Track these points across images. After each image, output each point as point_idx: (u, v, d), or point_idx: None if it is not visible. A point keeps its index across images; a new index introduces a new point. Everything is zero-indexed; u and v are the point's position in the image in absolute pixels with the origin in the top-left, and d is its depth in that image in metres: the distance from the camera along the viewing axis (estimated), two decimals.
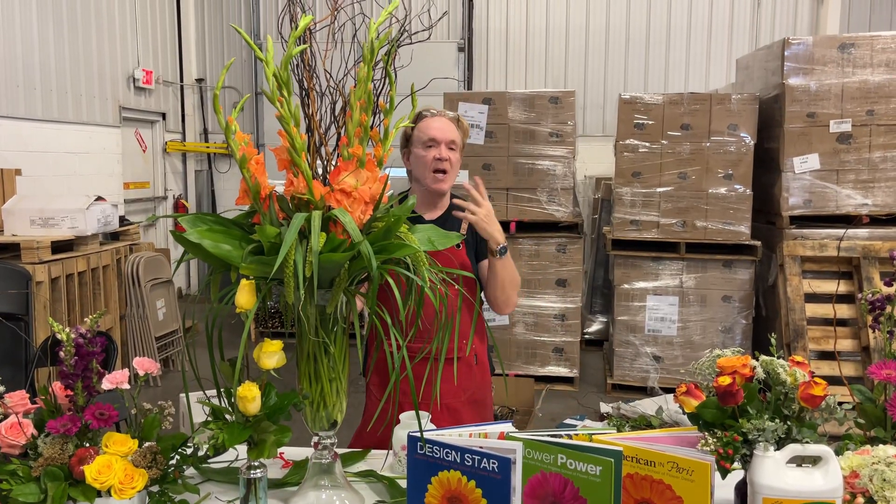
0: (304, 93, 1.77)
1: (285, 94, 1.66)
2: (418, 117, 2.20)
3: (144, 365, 1.74)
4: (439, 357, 2.09)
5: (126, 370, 1.72)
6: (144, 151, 7.80)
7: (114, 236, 5.43)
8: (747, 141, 4.86)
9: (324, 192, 1.58)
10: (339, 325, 1.72)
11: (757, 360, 1.77)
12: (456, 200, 2.16)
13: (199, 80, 8.51)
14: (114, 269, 5.06)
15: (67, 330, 1.75)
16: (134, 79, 7.31)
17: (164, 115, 8.05)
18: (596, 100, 7.97)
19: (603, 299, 6.54)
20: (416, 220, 2.16)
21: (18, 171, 5.03)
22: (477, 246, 2.23)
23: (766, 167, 4.99)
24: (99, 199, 4.91)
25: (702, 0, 7.76)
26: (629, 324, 5.14)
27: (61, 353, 1.70)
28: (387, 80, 1.78)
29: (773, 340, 1.88)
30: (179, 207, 8.29)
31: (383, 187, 1.67)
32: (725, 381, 1.59)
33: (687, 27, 7.80)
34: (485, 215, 2.02)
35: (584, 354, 5.71)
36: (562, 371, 5.29)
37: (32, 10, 5.74)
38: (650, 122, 4.97)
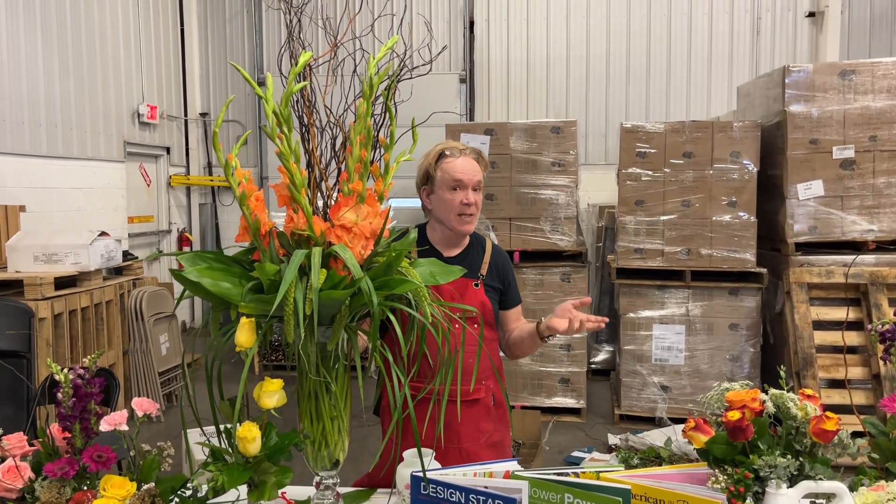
0: (304, 128, 1.77)
1: (285, 130, 1.66)
2: (440, 156, 2.17)
3: (143, 405, 1.71)
4: (453, 396, 2.06)
5: (125, 411, 1.70)
6: (149, 185, 7.84)
7: (117, 271, 5.43)
8: (750, 168, 4.85)
9: (324, 228, 1.57)
10: (341, 363, 1.70)
11: (766, 393, 1.74)
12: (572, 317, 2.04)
13: (204, 115, 8.58)
14: (117, 304, 5.05)
15: (65, 371, 1.73)
16: (139, 114, 7.37)
17: (168, 150, 8.10)
18: (598, 128, 8.01)
19: (608, 328, 6.49)
20: (438, 257, 2.15)
21: (23, 208, 5.04)
22: (502, 295, 2.24)
23: (770, 194, 4.98)
24: (102, 234, 4.92)
25: (701, 29, 7.82)
26: (636, 353, 5.10)
27: (59, 395, 1.67)
28: (387, 115, 1.78)
29: (782, 373, 1.85)
30: (183, 240, 8.30)
31: (384, 222, 1.66)
32: (735, 415, 1.56)
33: (687, 56, 7.85)
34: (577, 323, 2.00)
35: (590, 384, 5.66)
36: (568, 402, 5.24)
37: (38, 47, 5.81)
38: (652, 151, 4.97)
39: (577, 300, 2.03)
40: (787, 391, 1.78)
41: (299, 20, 1.78)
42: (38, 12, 5.82)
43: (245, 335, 1.52)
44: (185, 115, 8.43)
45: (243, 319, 1.54)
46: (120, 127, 7.07)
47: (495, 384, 2.20)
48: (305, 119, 1.92)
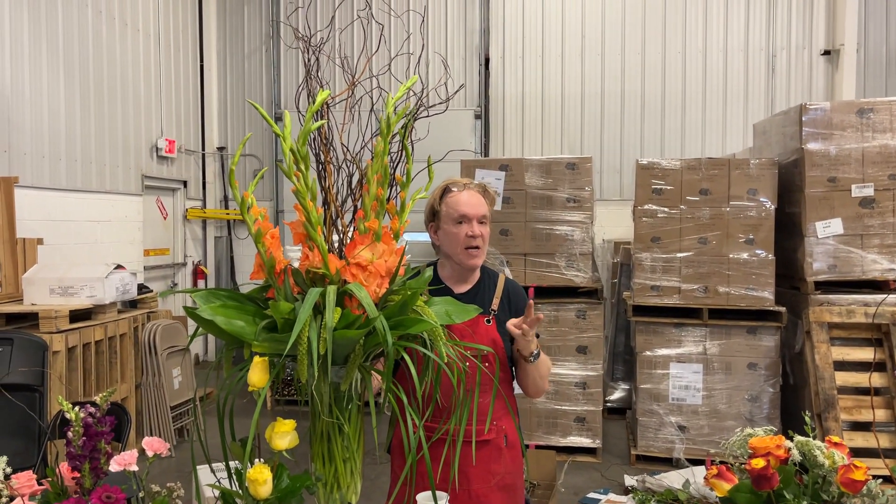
0: (321, 166, 1.76)
1: (302, 168, 1.66)
2: (445, 192, 2.17)
3: (154, 445, 1.69)
4: (464, 437, 2.02)
5: (135, 451, 1.67)
6: (165, 219, 7.90)
7: (132, 304, 5.44)
8: (767, 206, 4.82)
9: (339, 266, 1.56)
10: (354, 403, 1.67)
11: (791, 440, 1.69)
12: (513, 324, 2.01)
13: (221, 149, 8.67)
14: (131, 338, 5.05)
15: (76, 409, 1.71)
16: (157, 148, 7.46)
17: (185, 183, 8.18)
18: (612, 164, 8.01)
19: (624, 366, 6.42)
20: (445, 293, 2.13)
21: (40, 241, 5.08)
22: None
23: (788, 232, 4.93)
24: (118, 267, 4.94)
25: (716, 66, 7.85)
26: (652, 392, 5.02)
27: (69, 433, 1.65)
28: (403, 153, 1.77)
29: (808, 419, 1.79)
30: (198, 273, 8.33)
31: (399, 260, 1.64)
32: (759, 463, 1.51)
33: (702, 93, 7.87)
34: (531, 333, 1.98)
35: (606, 423, 5.56)
36: (584, 441, 5.15)
37: (60, 82, 5.92)
38: (668, 188, 4.95)
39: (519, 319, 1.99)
40: (812, 436, 1.72)
41: (317, 59, 1.78)
42: (62, 49, 5.93)
43: (258, 375, 1.50)
44: (203, 149, 8.52)
45: (256, 358, 1.52)
46: (138, 160, 7.15)
47: (508, 424, 2.15)
48: (322, 157, 1.92)
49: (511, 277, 2.36)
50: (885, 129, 4.58)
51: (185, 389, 5.51)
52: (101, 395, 1.77)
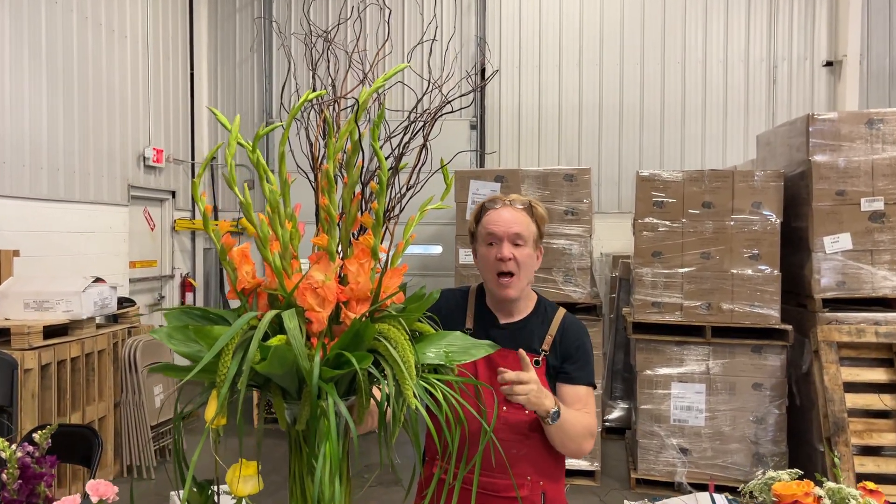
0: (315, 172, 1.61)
1: (270, 177, 1.50)
2: (482, 210, 1.89)
3: (100, 490, 1.49)
4: (489, 489, 1.77)
5: (77, 496, 1.48)
6: (153, 230, 7.70)
7: (113, 318, 5.23)
8: (772, 220, 4.64)
9: (300, 288, 1.38)
10: (331, 440, 1.47)
11: (821, 485, 1.50)
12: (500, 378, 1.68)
13: (211, 159, 8.48)
14: (110, 354, 4.84)
15: (13, 447, 1.52)
16: (144, 157, 7.26)
17: (173, 193, 7.98)
18: (611, 176, 7.84)
19: (623, 384, 6.22)
20: (491, 324, 1.89)
21: (16, 253, 4.88)
22: (559, 370, 1.87)
23: (795, 247, 4.76)
24: (97, 280, 4.73)
25: (716, 77, 7.70)
26: (653, 413, 4.82)
27: (3, 476, 1.46)
28: (399, 160, 1.60)
29: (836, 460, 1.61)
30: (186, 286, 8.13)
31: (377, 281, 1.45)
32: None
33: (702, 104, 7.72)
34: (533, 391, 1.65)
35: (605, 444, 5.36)
36: (582, 464, 4.94)
37: (42, 90, 5.73)
38: (670, 200, 4.77)
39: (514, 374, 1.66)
40: (835, 469, 1.54)
41: (316, 59, 1.62)
42: (45, 55, 5.75)
43: (213, 409, 1.31)
44: (193, 158, 8.34)
45: (213, 392, 1.33)
46: (124, 170, 6.96)
47: (550, 485, 1.85)
48: (313, 163, 1.76)
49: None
50: (895, 141, 4.41)
51: (167, 408, 5.29)
52: (40, 433, 1.58)
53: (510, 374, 1.64)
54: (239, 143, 1.52)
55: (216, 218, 8.36)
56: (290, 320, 1.31)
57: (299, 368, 1.30)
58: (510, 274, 1.81)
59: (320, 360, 1.30)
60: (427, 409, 1.35)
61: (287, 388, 1.41)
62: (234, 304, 1.57)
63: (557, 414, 1.71)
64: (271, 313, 1.33)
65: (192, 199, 8.36)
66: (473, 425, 1.47)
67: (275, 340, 1.31)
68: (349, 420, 1.30)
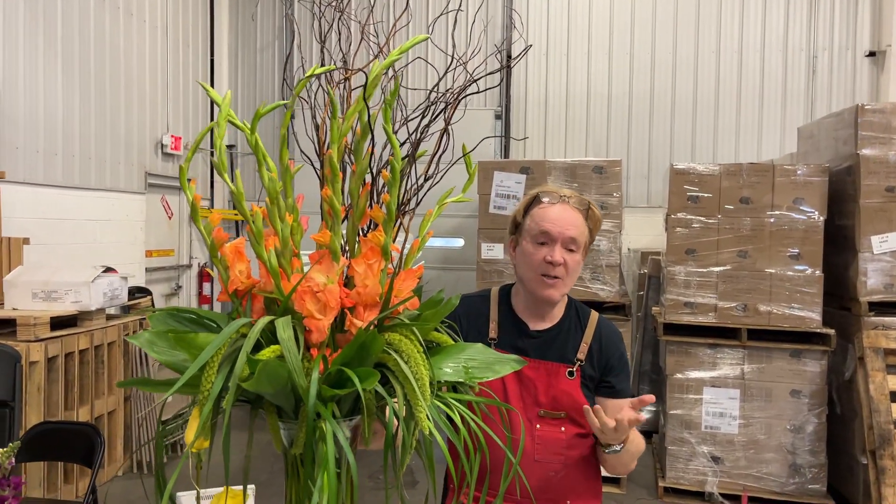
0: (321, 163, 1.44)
1: (269, 163, 1.31)
2: (533, 201, 1.72)
3: None
4: None
5: None
6: (170, 218, 7.57)
7: (125, 309, 5.10)
8: (815, 217, 4.37)
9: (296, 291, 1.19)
10: (326, 464, 1.28)
11: None
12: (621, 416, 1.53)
13: (231, 146, 8.33)
14: (120, 346, 4.70)
15: None
16: (162, 145, 7.13)
17: (192, 181, 7.85)
18: (640, 168, 7.56)
19: (651, 385, 5.98)
20: (518, 329, 1.71)
21: (26, 240, 4.75)
22: (599, 383, 1.73)
23: (839, 246, 4.48)
24: (108, 270, 4.59)
25: (753, 67, 7.39)
26: (683, 419, 4.58)
27: None
28: (418, 149, 1.41)
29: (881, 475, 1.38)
30: (204, 276, 8.00)
31: (390, 284, 1.25)
32: None
33: (737, 94, 7.41)
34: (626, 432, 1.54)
35: None
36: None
37: (58, 74, 5.59)
38: (706, 195, 4.52)
39: (636, 399, 1.52)
40: (874, 476, 1.31)
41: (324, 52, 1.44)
42: (60, 38, 5.61)
43: (194, 430, 1.11)
44: (212, 146, 8.19)
45: (195, 411, 1.14)
46: (142, 157, 6.83)
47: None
48: (319, 149, 1.58)
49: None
50: None
51: (178, 402, 5.15)
52: (2, 451, 1.39)
53: (626, 419, 1.49)
54: (230, 121, 1.32)
55: (234, 207, 8.22)
56: (283, 330, 1.12)
57: (294, 386, 1.12)
58: (556, 277, 1.67)
59: (320, 376, 1.12)
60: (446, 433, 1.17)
61: (282, 405, 1.23)
62: None
63: (622, 447, 1.60)
64: (263, 320, 1.14)
65: (211, 186, 8.24)
66: (501, 450, 1.28)
67: (266, 353, 1.13)
68: (349, 455, 1.10)
